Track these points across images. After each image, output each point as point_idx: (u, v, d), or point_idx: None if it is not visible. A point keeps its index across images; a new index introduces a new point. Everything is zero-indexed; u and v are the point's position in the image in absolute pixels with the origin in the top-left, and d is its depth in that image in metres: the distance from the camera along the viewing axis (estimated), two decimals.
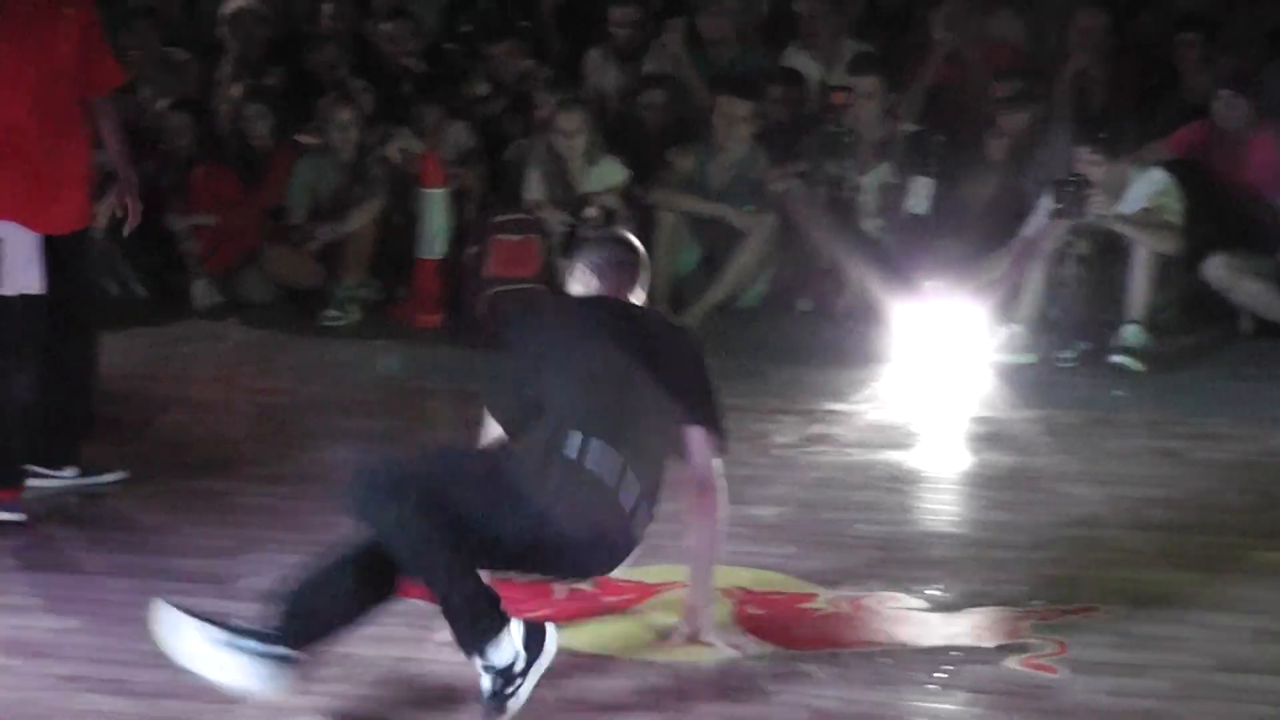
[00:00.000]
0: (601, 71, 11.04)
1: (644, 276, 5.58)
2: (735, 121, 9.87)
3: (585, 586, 5.87)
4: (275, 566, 6.05)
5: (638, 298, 5.55)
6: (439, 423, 8.49)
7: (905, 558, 6.17)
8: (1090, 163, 8.78)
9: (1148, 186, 8.90)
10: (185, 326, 9.90)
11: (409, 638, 5.49)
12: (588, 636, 5.54)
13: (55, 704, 5.11)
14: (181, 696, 5.12)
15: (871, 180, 9.77)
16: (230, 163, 10.55)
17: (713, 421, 5.38)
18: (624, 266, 5.53)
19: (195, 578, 6.01)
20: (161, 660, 5.31)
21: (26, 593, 5.91)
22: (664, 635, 5.51)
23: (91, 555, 6.24)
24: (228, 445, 7.72)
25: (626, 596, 5.85)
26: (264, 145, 10.52)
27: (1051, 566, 6.08)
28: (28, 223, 6.58)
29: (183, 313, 10.08)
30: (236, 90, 10.77)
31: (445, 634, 5.02)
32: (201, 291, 10.21)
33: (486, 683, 4.90)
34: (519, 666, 4.91)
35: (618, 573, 5.85)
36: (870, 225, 9.72)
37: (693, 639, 5.42)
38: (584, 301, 5.51)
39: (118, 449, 7.49)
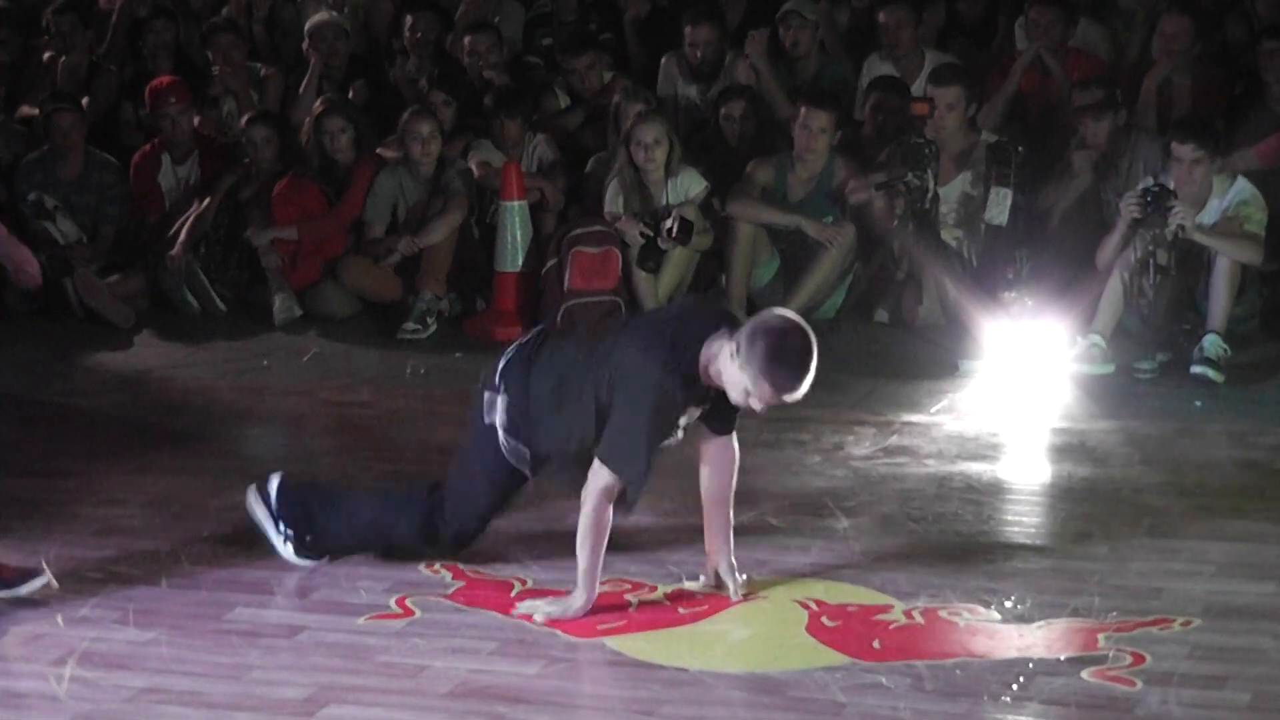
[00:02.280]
0: (680, 83, 11.06)
1: None
2: (815, 133, 9.86)
3: (659, 599, 5.89)
4: (350, 579, 6.11)
5: None
6: None
7: (981, 569, 6.15)
8: (1195, 161, 8.72)
9: (1231, 196, 8.84)
10: (265, 340, 9.96)
11: (478, 650, 5.53)
12: (663, 647, 5.55)
13: (132, 717, 5.18)
14: (256, 709, 5.18)
15: (952, 191, 9.73)
16: (311, 176, 10.61)
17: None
18: None
19: (270, 590, 6.06)
20: (236, 672, 5.39)
21: (104, 605, 5.96)
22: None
23: (168, 568, 6.28)
24: (306, 458, 7.77)
25: (701, 608, 5.86)
26: (345, 159, 10.57)
27: (1129, 578, 6.06)
28: None
29: (263, 326, 10.15)
30: (318, 104, 10.83)
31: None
32: (282, 305, 10.26)
33: None
34: None
35: (691, 585, 5.91)
36: (950, 236, 9.68)
37: None
38: None
39: (197, 463, 7.59)
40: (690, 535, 6.33)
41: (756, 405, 5.62)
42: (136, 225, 10.91)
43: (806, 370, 5.56)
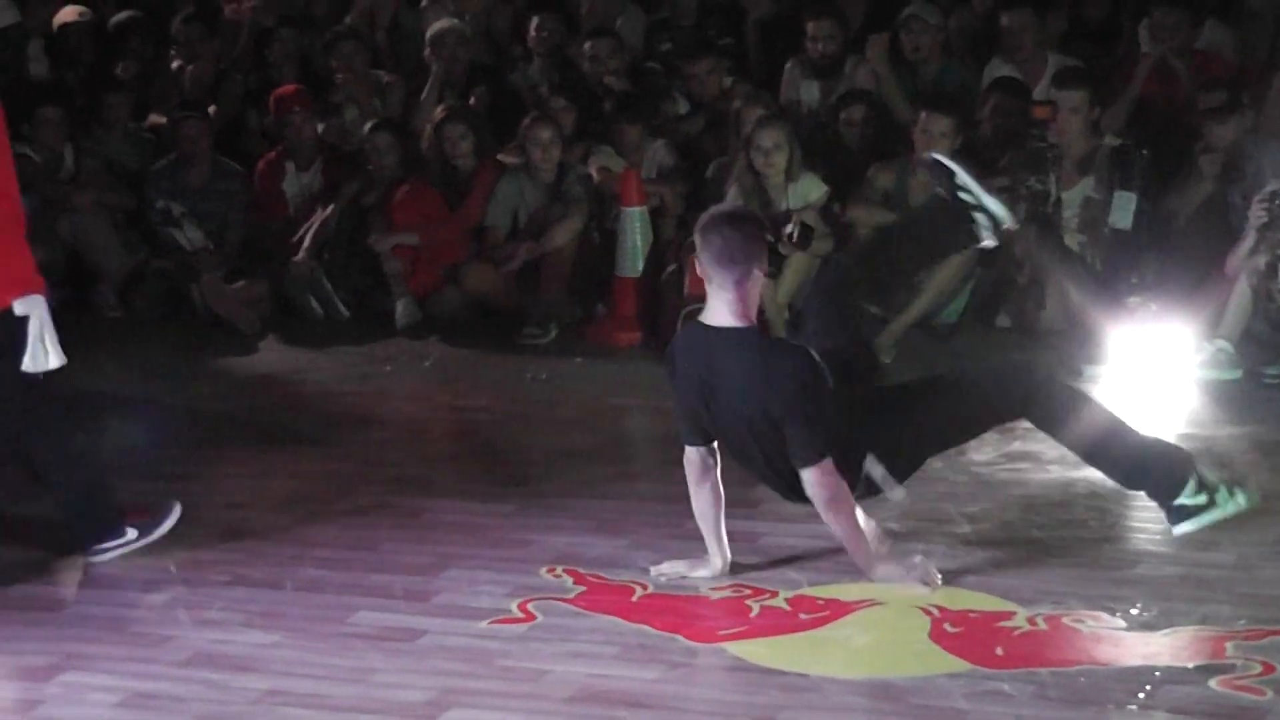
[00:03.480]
0: (800, 87, 11.03)
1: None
2: (936, 137, 9.78)
3: (780, 605, 5.87)
4: (472, 584, 6.13)
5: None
6: (638, 440, 8.52)
7: (1105, 576, 6.08)
8: None
9: None
10: (387, 345, 10.03)
11: (599, 655, 5.53)
12: (784, 653, 5.52)
13: (255, 718, 5.19)
14: (377, 712, 5.19)
15: (1075, 195, 9.65)
16: (433, 182, 10.67)
17: None
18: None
19: (393, 594, 6.08)
20: (358, 676, 5.41)
21: (228, 608, 6.00)
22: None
23: (291, 571, 6.32)
24: (427, 463, 7.80)
25: (823, 614, 5.83)
26: (466, 165, 10.63)
27: (1258, 585, 5.96)
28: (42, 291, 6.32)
29: (385, 331, 10.21)
30: (440, 111, 10.88)
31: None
32: (403, 310, 10.33)
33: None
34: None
35: (815, 590, 5.89)
36: (1073, 241, 9.60)
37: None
38: None
39: (320, 467, 7.63)
40: (811, 540, 6.31)
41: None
42: (261, 231, 11.02)
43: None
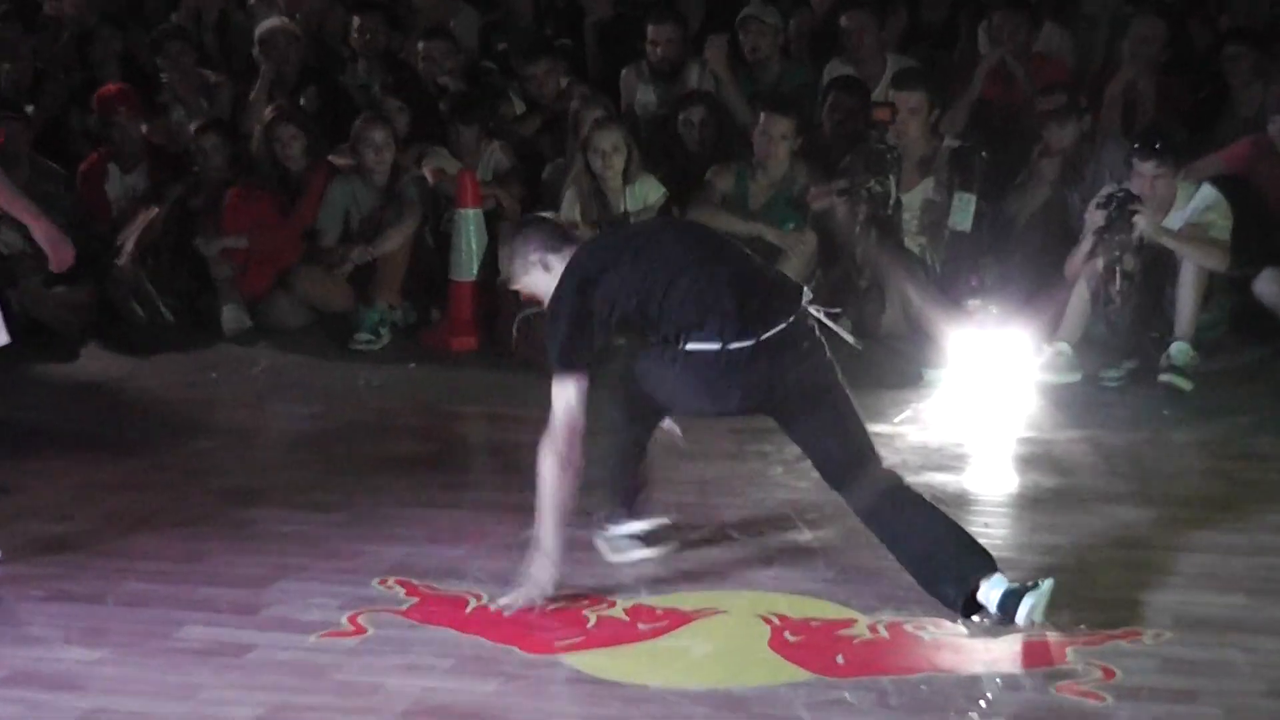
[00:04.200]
0: (639, 90, 11.04)
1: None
2: (776, 139, 9.84)
3: (618, 615, 5.86)
4: (306, 595, 6.06)
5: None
6: (473, 448, 8.49)
7: None
8: (1156, 176, 8.72)
9: (1196, 202, 8.84)
10: (214, 352, 9.92)
11: (434, 668, 5.49)
12: (623, 664, 5.51)
13: None
14: None
15: (915, 197, 9.73)
16: (263, 185, 10.56)
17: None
18: None
19: (221, 607, 6.00)
20: (186, 692, 5.33)
21: (49, 624, 5.89)
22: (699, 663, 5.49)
23: (115, 585, 6.21)
24: (257, 472, 7.71)
25: (661, 623, 5.82)
26: (297, 167, 10.53)
27: (1097, 590, 6.03)
28: None
29: (212, 338, 10.10)
30: (270, 111, 10.77)
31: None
32: (231, 316, 10.22)
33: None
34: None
35: (654, 599, 5.88)
36: (913, 243, 9.67)
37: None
38: None
39: (145, 478, 7.53)
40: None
41: None
42: (84, 235, 10.82)
43: None
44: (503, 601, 5.91)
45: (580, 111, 10.32)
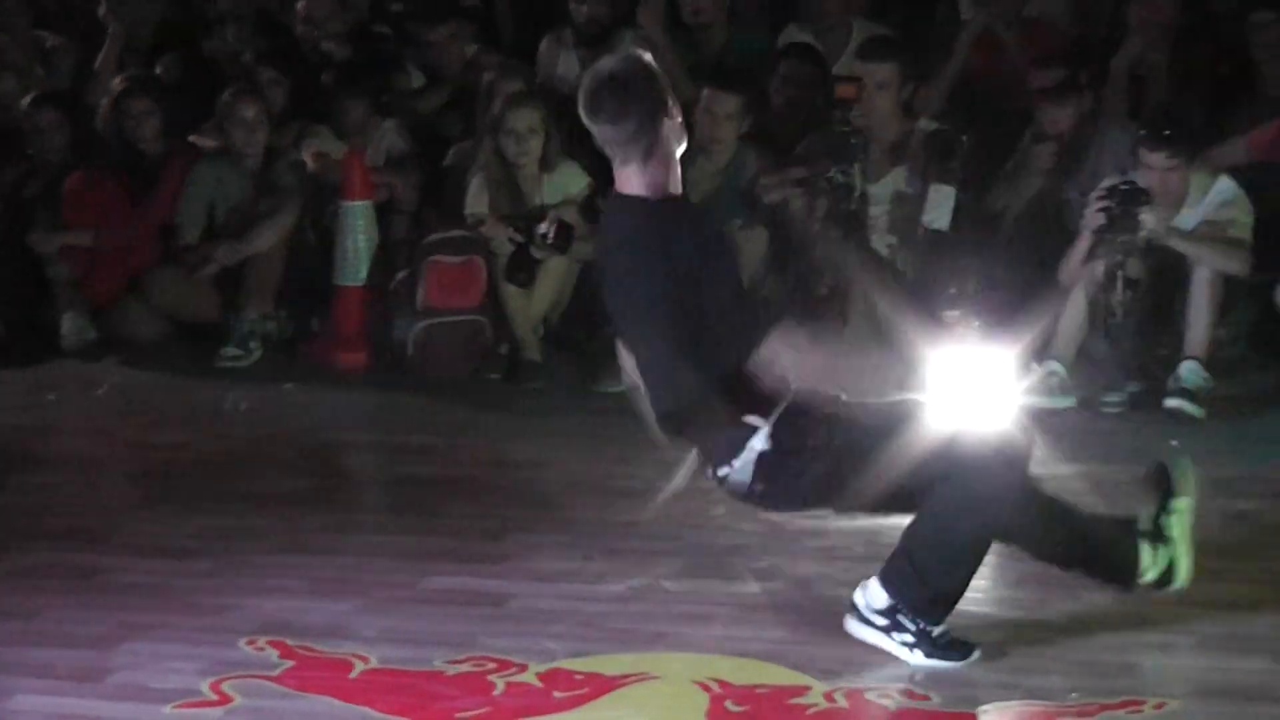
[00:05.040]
0: (561, 60, 11.09)
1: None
2: (721, 119, 9.90)
3: (530, 681, 5.91)
4: (160, 658, 6.08)
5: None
6: (362, 483, 8.52)
7: None
8: (1166, 169, 8.81)
9: (1213, 196, 8.93)
10: (52, 368, 9.92)
11: None
12: None
13: None
14: None
15: (884, 189, 9.80)
16: (111, 170, 10.57)
17: None
18: None
19: (62, 673, 6.01)
20: None
21: None
22: None
23: None
24: (103, 512, 7.72)
25: (581, 691, 5.87)
26: (152, 149, 10.55)
27: (1094, 651, 6.10)
28: None
29: (49, 352, 10.10)
30: (119, 82, 10.79)
31: None
32: (72, 326, 10.22)
33: None
34: None
35: (573, 663, 5.93)
36: (882, 243, 9.75)
37: None
38: None
39: None
40: (571, 603, 6.36)
41: None
42: None
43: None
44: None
45: (495, 84, 10.34)
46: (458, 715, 5.70)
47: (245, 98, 10.40)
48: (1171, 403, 8.67)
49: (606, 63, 6.04)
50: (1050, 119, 9.81)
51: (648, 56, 6.06)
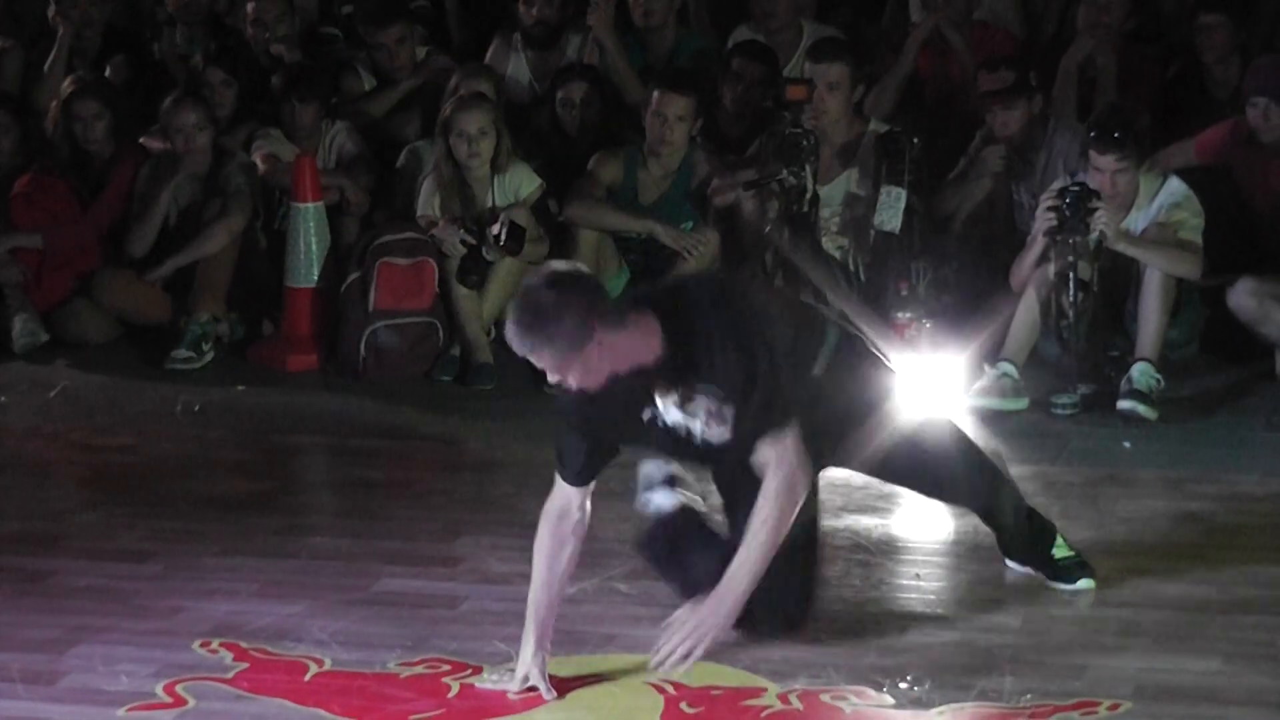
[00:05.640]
0: (511, 61, 11.07)
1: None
2: (671, 121, 9.89)
3: (485, 682, 5.91)
4: (113, 661, 6.06)
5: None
6: (314, 486, 8.50)
7: (871, 643, 6.18)
8: (1115, 170, 8.82)
9: (1162, 198, 8.94)
10: (3, 371, 9.88)
11: None
12: None
13: None
14: None
15: (835, 191, 9.81)
16: (60, 172, 10.53)
17: None
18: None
19: (13, 676, 5.98)
20: None
21: None
22: None
23: None
24: (53, 515, 7.70)
25: (534, 694, 5.87)
26: (101, 150, 10.51)
27: (1046, 653, 6.11)
28: None
29: (0, 354, 10.06)
30: (68, 84, 10.74)
31: None
32: (22, 328, 10.17)
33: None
34: None
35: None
36: (833, 245, 9.75)
37: None
38: None
39: None
40: (523, 605, 6.34)
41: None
42: None
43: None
44: (669, 650, 5.86)
45: (461, 85, 10.30)
46: (412, 717, 5.70)
47: (184, 105, 10.32)
48: (1124, 404, 8.67)
49: (522, 299, 5.66)
50: (1000, 121, 9.81)
51: (563, 270, 5.75)
